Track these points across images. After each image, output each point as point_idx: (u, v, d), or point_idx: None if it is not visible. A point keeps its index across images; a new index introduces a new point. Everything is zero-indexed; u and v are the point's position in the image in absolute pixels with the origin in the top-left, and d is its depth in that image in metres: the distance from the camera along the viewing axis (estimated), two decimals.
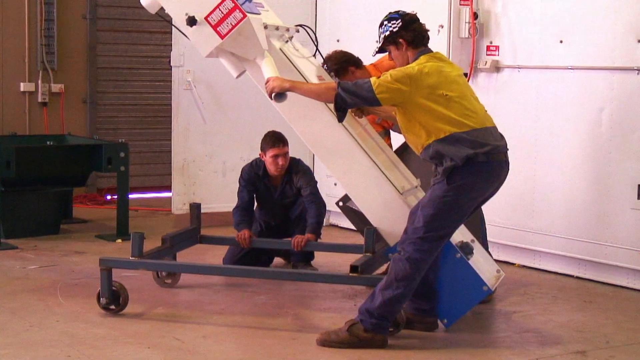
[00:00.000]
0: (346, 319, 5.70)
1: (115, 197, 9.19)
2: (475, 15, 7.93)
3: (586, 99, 7.34)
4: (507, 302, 6.67)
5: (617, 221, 7.15)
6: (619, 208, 7.14)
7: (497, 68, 7.94)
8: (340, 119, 5.63)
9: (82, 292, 6.48)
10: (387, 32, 5.68)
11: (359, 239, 6.47)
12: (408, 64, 5.65)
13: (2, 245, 8.21)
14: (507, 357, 5.47)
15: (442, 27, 7.98)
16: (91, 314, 6.14)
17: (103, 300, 6.13)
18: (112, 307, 6.15)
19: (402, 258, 5.47)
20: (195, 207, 7.26)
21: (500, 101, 7.89)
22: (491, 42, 7.98)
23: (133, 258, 6.25)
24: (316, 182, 7.46)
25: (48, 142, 9.22)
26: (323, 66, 6.62)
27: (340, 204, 6.69)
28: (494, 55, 7.95)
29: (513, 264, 7.85)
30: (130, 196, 9.11)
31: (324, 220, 7.62)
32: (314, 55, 6.39)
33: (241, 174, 7.48)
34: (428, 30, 5.77)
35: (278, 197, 7.45)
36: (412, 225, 5.49)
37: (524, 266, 7.81)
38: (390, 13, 5.76)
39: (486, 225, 6.87)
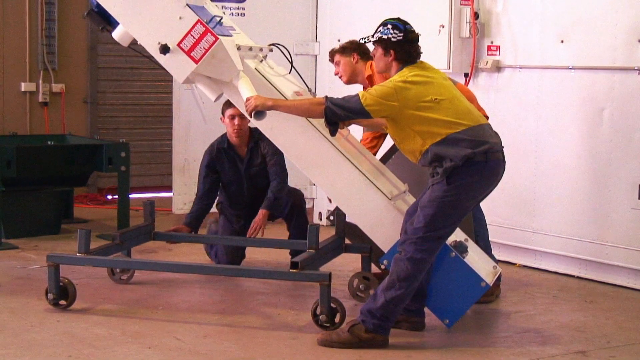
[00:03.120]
0: (347, 319, 5.71)
1: (116, 197, 9.19)
2: (476, 15, 7.92)
3: (587, 99, 7.34)
4: (508, 302, 6.67)
5: (618, 221, 7.14)
6: (620, 208, 7.13)
7: (498, 68, 7.93)
8: (333, 132, 5.69)
9: (83, 292, 6.47)
10: (385, 37, 5.66)
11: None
12: (388, 69, 5.68)
13: (3, 245, 8.22)
14: (507, 357, 5.47)
15: (443, 26, 7.97)
16: (92, 314, 6.15)
17: (50, 296, 6.17)
18: (61, 302, 6.20)
19: (403, 258, 5.48)
20: (149, 204, 7.31)
21: (501, 101, 7.89)
22: (492, 42, 7.98)
23: (80, 254, 6.28)
24: (283, 154, 7.41)
25: (49, 142, 9.22)
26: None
27: (332, 217, 6.71)
28: (495, 55, 7.95)
29: (514, 264, 7.85)
30: (131, 196, 9.11)
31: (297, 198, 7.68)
32: (290, 72, 6.45)
33: (202, 161, 7.53)
34: (421, 53, 5.75)
35: (245, 169, 7.46)
36: (412, 226, 5.50)
37: (524, 266, 7.81)
38: (398, 20, 5.71)
39: (487, 225, 6.86)
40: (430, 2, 8.10)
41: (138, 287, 6.87)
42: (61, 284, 6.21)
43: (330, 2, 9.62)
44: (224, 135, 7.53)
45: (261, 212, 7.26)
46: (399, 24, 5.68)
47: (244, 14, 9.60)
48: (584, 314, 6.46)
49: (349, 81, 6.91)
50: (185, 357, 5.34)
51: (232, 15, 9.54)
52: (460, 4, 7.95)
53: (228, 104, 7.31)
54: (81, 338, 5.62)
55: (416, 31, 5.71)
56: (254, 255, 7.88)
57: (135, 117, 11.50)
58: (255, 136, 7.44)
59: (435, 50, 7.89)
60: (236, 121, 7.34)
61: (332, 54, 6.97)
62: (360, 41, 6.02)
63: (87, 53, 11.10)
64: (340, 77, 6.95)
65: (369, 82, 6.81)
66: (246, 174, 7.47)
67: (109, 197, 10.94)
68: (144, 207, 7.33)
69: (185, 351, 5.44)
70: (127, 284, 6.94)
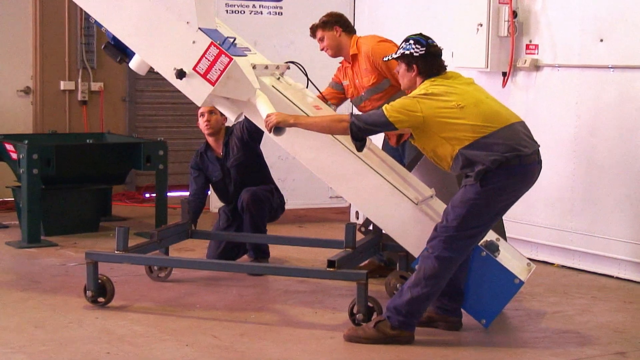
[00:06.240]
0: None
1: (154, 195, 9.24)
2: (514, 14, 7.88)
3: (626, 98, 7.27)
4: (546, 302, 6.63)
5: None
6: None
7: (536, 67, 7.89)
8: (360, 148, 5.70)
9: (121, 289, 6.51)
10: (407, 52, 5.68)
11: None
12: (413, 85, 5.69)
13: (43, 242, 8.30)
14: (546, 357, 5.44)
15: (481, 25, 7.94)
16: (130, 311, 6.19)
17: (89, 293, 6.24)
18: (99, 299, 6.26)
19: (431, 256, 5.47)
20: (186, 203, 7.36)
21: (539, 100, 7.85)
22: (530, 41, 7.93)
23: (118, 252, 6.34)
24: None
25: (88, 140, 9.29)
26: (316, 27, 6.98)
27: (363, 229, 6.72)
28: (534, 54, 7.90)
29: (552, 264, 7.80)
30: (169, 194, 9.16)
31: None
32: (307, 87, 6.51)
33: (190, 165, 7.65)
34: (447, 66, 5.76)
35: (224, 166, 7.46)
36: (442, 223, 5.48)
37: (563, 266, 7.76)
38: (420, 35, 5.75)
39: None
40: (468, 1, 8.07)
41: (175, 285, 6.91)
42: (99, 281, 6.27)
43: (369, 0, 9.62)
44: (204, 142, 7.62)
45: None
46: (421, 39, 5.70)
47: (281, 13, 9.63)
48: (623, 315, 6.41)
49: (335, 54, 7.07)
50: (222, 355, 5.36)
51: (270, 14, 9.59)
52: (499, 3, 7.91)
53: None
54: (119, 335, 5.66)
55: (439, 46, 5.73)
56: (290, 253, 7.91)
57: (173, 116, 11.56)
58: (230, 130, 7.51)
59: (473, 49, 7.86)
60: (205, 117, 7.40)
61: (314, 29, 7.04)
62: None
63: None
64: (326, 52, 7.06)
65: (353, 61, 6.94)
66: (227, 171, 7.50)
67: (147, 195, 11.00)
68: (181, 205, 7.37)
69: (222, 349, 5.46)
70: (165, 282, 6.98)
